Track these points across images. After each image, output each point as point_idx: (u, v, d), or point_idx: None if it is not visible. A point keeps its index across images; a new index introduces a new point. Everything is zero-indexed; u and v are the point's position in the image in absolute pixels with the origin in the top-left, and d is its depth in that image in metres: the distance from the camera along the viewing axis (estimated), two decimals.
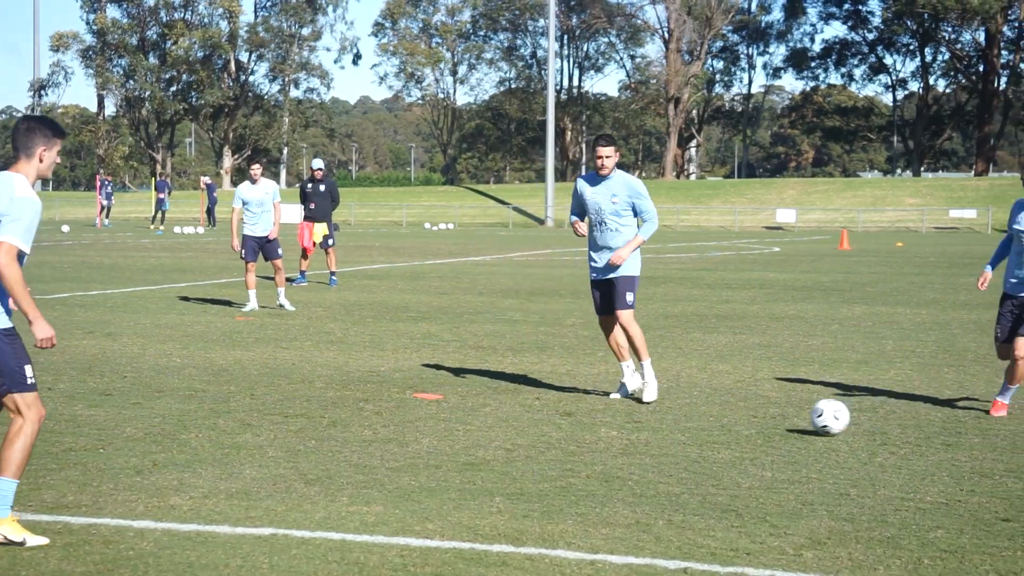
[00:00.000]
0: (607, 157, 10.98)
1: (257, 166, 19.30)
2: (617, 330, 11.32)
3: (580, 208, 11.32)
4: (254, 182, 18.97)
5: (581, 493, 7.63)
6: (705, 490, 7.74)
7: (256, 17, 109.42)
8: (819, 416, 9.42)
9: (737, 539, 6.65)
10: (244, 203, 18.93)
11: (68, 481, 7.77)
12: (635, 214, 11.20)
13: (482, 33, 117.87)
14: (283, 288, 18.99)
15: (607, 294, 11.29)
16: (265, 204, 18.89)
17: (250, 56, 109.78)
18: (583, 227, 11.25)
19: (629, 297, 11.15)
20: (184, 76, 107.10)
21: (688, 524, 6.93)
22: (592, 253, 11.30)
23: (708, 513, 7.18)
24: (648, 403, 10.88)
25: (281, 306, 18.68)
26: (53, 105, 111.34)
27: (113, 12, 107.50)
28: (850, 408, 9.97)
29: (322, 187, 24.04)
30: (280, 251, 19.04)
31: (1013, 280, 10.93)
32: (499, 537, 6.66)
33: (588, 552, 6.39)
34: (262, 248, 18.95)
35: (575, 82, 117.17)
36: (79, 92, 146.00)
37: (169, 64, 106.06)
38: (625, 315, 11.15)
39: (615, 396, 11.17)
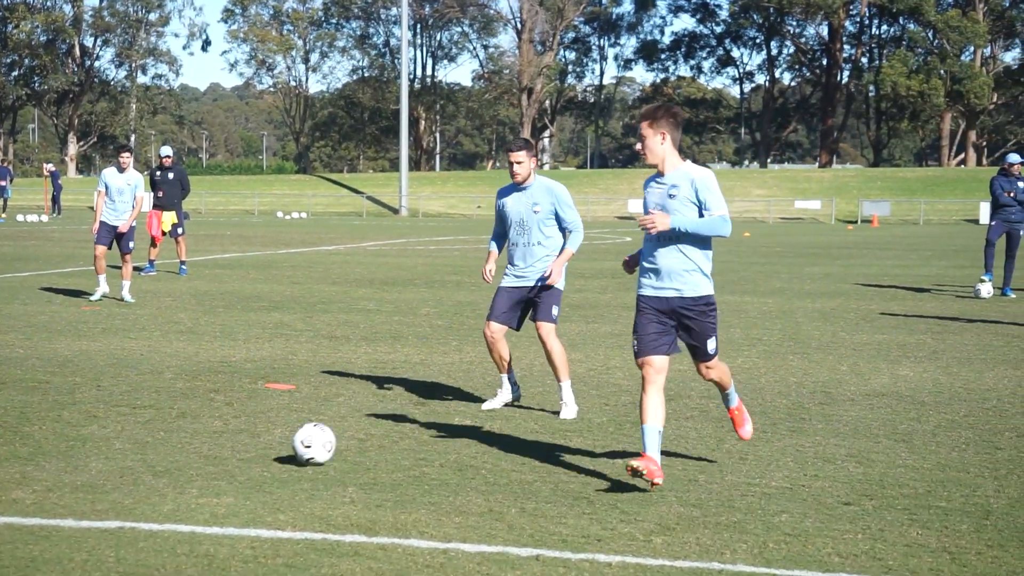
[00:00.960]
0: (519, 163, 9.86)
1: (127, 154, 18.82)
2: (504, 341, 10.21)
3: (501, 226, 10.23)
4: (122, 170, 18.49)
5: (434, 482, 7.64)
6: (557, 478, 7.81)
7: (101, 1, 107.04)
8: (308, 448, 7.97)
9: (588, 526, 6.73)
10: (107, 188, 18.43)
11: None
12: (560, 225, 10.05)
13: (334, 21, 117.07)
14: (128, 281, 18.55)
15: (521, 302, 10.15)
16: (125, 193, 18.44)
17: (95, 41, 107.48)
18: (490, 270, 10.27)
19: (555, 311, 10.03)
20: (26, 60, 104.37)
21: (540, 512, 6.99)
22: (513, 269, 10.15)
23: (560, 501, 7.25)
24: (568, 420, 9.88)
25: (122, 299, 18.26)
26: None
27: None
28: (697, 395, 10.09)
29: (171, 175, 23.63)
30: (132, 244, 18.63)
31: None
32: (352, 527, 6.64)
33: (441, 541, 6.41)
34: (117, 238, 18.51)
35: (429, 71, 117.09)
36: None
37: (10, 48, 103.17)
38: (547, 328, 10.01)
39: (487, 407, 10.22)
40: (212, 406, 10.08)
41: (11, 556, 6.03)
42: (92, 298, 18.21)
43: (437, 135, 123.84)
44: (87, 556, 6.05)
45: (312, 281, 22.60)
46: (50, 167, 61.27)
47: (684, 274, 7.55)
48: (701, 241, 7.55)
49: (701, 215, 7.46)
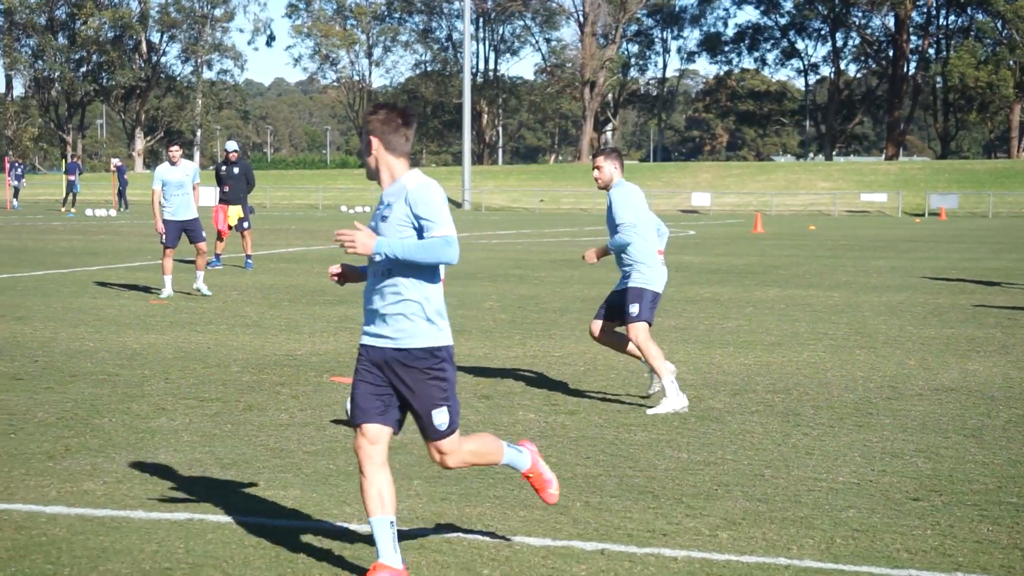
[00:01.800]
0: (597, 168, 10.26)
1: (176, 147, 18.79)
2: (611, 335, 10.58)
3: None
4: (173, 163, 18.50)
5: (499, 476, 7.65)
6: (622, 472, 7.80)
7: None
8: None
9: (654, 520, 6.71)
10: (164, 184, 18.44)
11: None
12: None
13: (397, 15, 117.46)
14: (202, 272, 18.64)
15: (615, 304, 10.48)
16: (185, 186, 18.44)
17: (162, 37, 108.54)
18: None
19: (630, 309, 10.26)
20: (94, 57, 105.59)
21: (605, 506, 6.98)
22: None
23: (625, 495, 7.23)
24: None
25: (198, 290, 18.40)
26: None
27: None
28: (762, 389, 10.02)
29: (236, 169, 23.80)
30: (204, 233, 18.67)
31: None
32: (417, 520, 6.66)
33: (506, 534, 6.42)
34: (186, 231, 18.47)
35: (491, 65, 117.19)
36: None
37: (79, 44, 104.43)
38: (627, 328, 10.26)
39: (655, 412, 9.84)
40: (278, 399, 10.16)
41: (83, 547, 6.11)
42: (161, 296, 18.27)
43: (499, 129, 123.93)
44: (157, 547, 6.12)
45: None
46: (117, 162, 61.90)
47: (400, 318, 5.76)
48: (421, 272, 5.76)
49: (421, 237, 5.74)
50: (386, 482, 5.76)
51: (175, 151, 18.60)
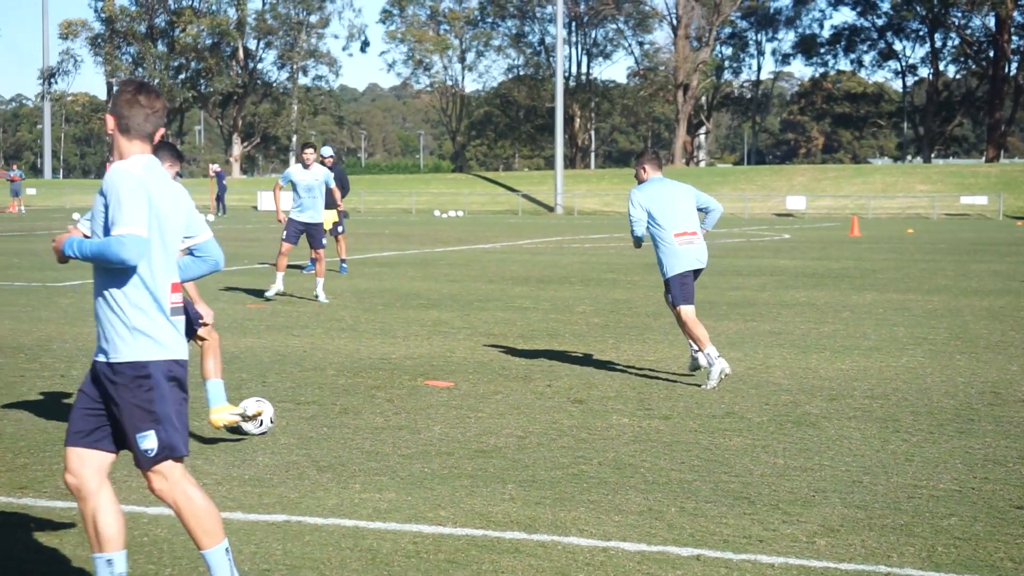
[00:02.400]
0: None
1: (311, 150, 18.76)
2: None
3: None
4: (306, 166, 18.56)
5: (593, 480, 7.64)
6: (717, 477, 7.74)
7: (264, 4, 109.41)
8: (260, 425, 8.83)
9: (749, 526, 6.65)
10: (293, 185, 18.50)
11: None
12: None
13: (490, 20, 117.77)
14: (322, 279, 18.63)
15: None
16: (314, 190, 18.51)
17: (258, 43, 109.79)
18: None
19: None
20: (193, 63, 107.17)
21: (700, 511, 6.94)
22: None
23: (720, 500, 7.18)
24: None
25: (316, 297, 18.35)
26: (63, 93, 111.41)
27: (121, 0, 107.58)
28: (860, 395, 9.91)
29: (331, 174, 23.98)
30: (324, 241, 18.81)
31: None
32: (512, 524, 6.67)
33: (601, 539, 6.40)
34: (307, 234, 18.60)
35: (583, 69, 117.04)
36: (88, 80, 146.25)
37: (177, 52, 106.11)
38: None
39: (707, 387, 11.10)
40: (373, 402, 10.23)
41: (184, 547, 6.20)
42: (267, 294, 18.36)
43: (592, 133, 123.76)
44: (255, 548, 6.19)
45: (469, 279, 22.78)
46: (215, 167, 62.82)
47: (107, 327, 5.20)
48: (115, 275, 5.17)
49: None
50: (112, 519, 5.15)
51: (309, 154, 18.62)
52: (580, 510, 6.96)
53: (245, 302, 18.18)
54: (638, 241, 11.76)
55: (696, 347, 11.49)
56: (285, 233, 18.47)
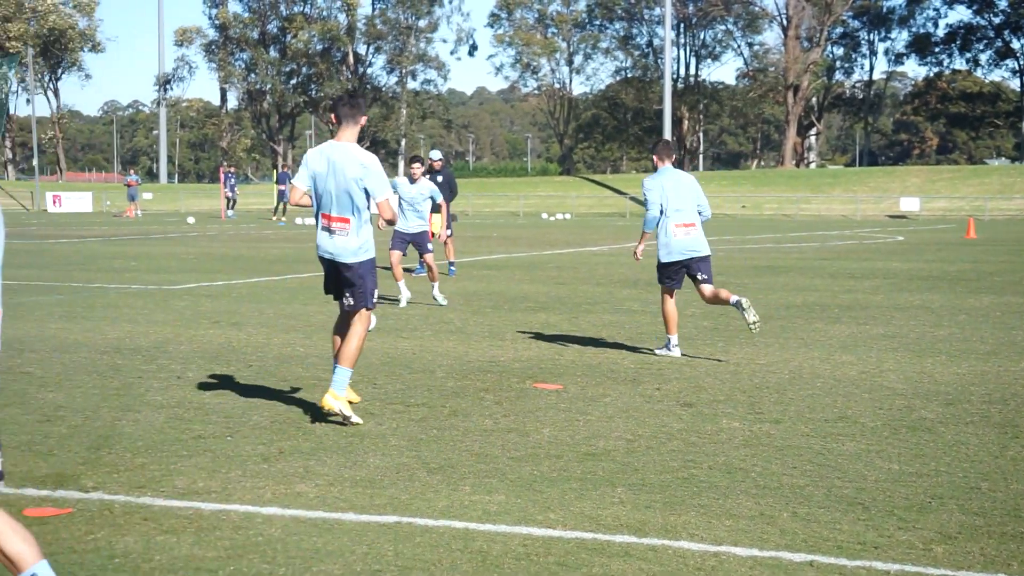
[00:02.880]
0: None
1: (418, 165, 18.88)
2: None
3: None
4: (413, 181, 18.77)
5: (703, 484, 7.58)
6: (830, 483, 7.64)
7: (374, 10, 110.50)
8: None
9: (864, 532, 6.55)
10: (400, 198, 18.68)
11: (198, 468, 7.92)
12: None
13: (597, 22, 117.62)
14: (437, 282, 18.71)
15: None
16: (417, 203, 18.71)
17: (368, 48, 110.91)
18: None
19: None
20: (304, 69, 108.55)
21: (813, 517, 6.85)
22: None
23: (834, 506, 7.08)
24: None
25: (435, 299, 18.40)
26: (178, 99, 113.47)
27: (235, 6, 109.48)
28: (977, 399, 9.71)
29: (440, 178, 24.17)
30: (431, 246, 18.95)
31: None
32: (621, 527, 6.65)
33: (712, 544, 6.35)
34: (414, 243, 18.81)
35: (692, 70, 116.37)
36: (203, 86, 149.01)
37: (289, 57, 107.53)
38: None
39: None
40: (482, 405, 10.26)
41: (297, 547, 6.27)
42: (401, 305, 18.35)
43: (700, 134, 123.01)
44: (367, 549, 6.24)
45: (577, 282, 22.76)
46: None
47: None
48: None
49: None
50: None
51: (416, 169, 18.80)
52: (690, 514, 6.91)
53: None
54: (653, 222, 13.14)
55: (735, 300, 12.82)
56: (391, 243, 18.70)
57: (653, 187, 13.12)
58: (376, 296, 9.64)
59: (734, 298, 12.84)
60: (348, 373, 9.46)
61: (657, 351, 13.33)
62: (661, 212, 13.07)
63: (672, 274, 13.25)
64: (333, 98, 8.60)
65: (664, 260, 13.22)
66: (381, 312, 17.32)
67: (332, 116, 9.48)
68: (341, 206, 9.32)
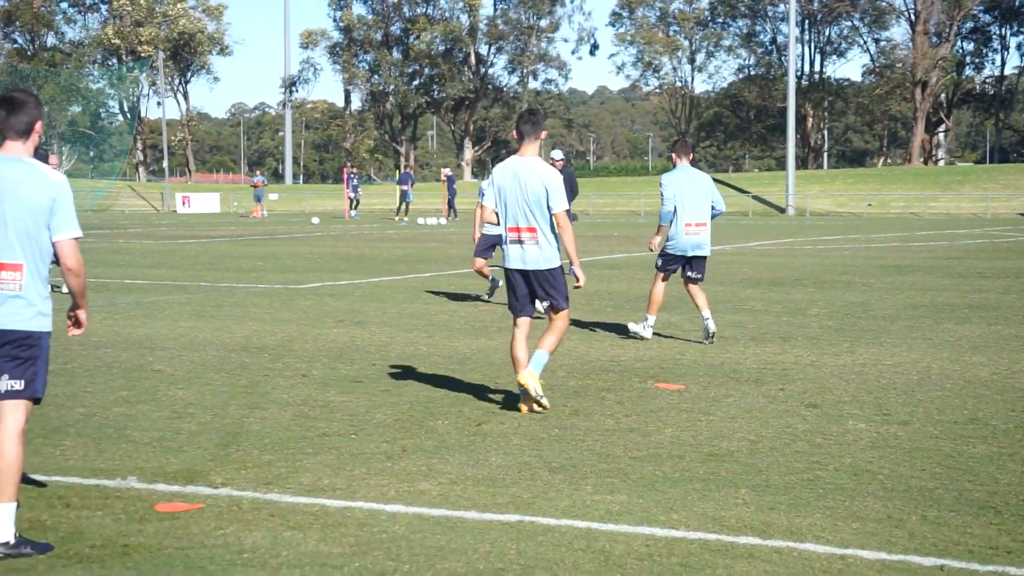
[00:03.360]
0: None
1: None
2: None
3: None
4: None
5: (829, 486, 7.48)
6: (960, 486, 7.48)
7: (495, 10, 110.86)
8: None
9: (996, 537, 6.41)
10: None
11: (323, 465, 8.03)
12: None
13: (720, 20, 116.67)
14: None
15: None
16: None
17: (490, 49, 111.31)
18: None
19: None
20: (426, 70, 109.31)
21: (943, 520, 6.72)
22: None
23: (964, 509, 6.94)
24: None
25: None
26: (303, 101, 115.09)
27: (359, 9, 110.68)
28: None
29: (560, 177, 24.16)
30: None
31: None
32: (745, 529, 6.58)
33: (838, 546, 6.26)
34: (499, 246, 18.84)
35: (816, 67, 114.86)
36: (327, 88, 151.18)
37: (412, 58, 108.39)
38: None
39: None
40: (604, 404, 10.25)
41: (420, 545, 6.32)
42: (486, 297, 18.71)
43: (825, 132, 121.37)
44: (490, 548, 6.27)
45: None
46: (447, 172, 63.91)
47: None
48: None
49: None
50: None
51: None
52: (816, 516, 6.82)
53: (477, 305, 18.45)
54: (668, 216, 14.01)
55: (706, 314, 13.88)
56: (476, 249, 18.16)
57: (669, 184, 14.04)
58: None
59: (706, 313, 13.98)
60: (547, 358, 10.12)
61: (631, 326, 14.47)
62: (675, 208, 14.04)
63: (671, 263, 14.34)
64: (520, 113, 9.61)
65: (668, 251, 14.28)
66: (502, 311, 17.38)
67: (515, 132, 10.33)
68: (528, 217, 10.01)
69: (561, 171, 24.17)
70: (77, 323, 6.61)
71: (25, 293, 6.27)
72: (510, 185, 10.03)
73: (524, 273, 10.19)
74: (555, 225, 10.09)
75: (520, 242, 10.10)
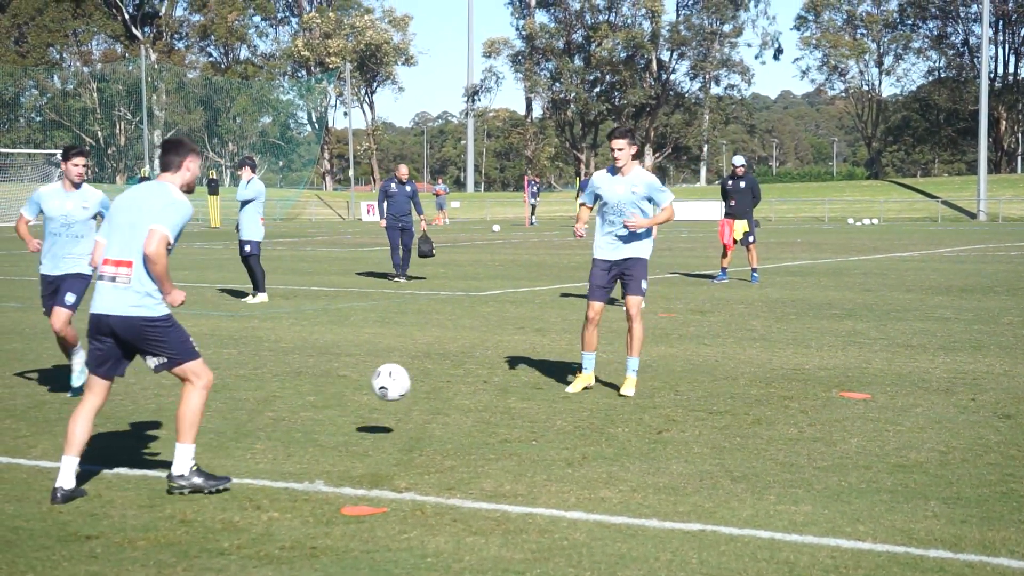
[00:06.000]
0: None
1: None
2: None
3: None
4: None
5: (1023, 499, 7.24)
6: None
7: (678, 16, 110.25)
8: (377, 377, 9.50)
9: None
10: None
11: (504, 471, 8.09)
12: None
13: (910, 22, 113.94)
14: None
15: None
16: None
17: (671, 54, 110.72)
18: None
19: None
20: (607, 77, 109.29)
21: None
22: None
23: None
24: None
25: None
26: (485, 109, 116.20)
27: (541, 17, 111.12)
28: None
29: (743, 184, 23.95)
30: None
31: None
32: (936, 542, 6.42)
33: None
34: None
35: (1011, 69, 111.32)
36: (509, 96, 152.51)
37: (593, 65, 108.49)
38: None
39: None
40: (787, 413, 10.10)
41: (601, 552, 6.32)
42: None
43: (1019, 136, 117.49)
44: (671, 556, 6.24)
45: (885, 288, 22.11)
46: None
47: None
48: None
49: None
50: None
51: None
52: (1010, 530, 6.61)
53: (656, 311, 18.37)
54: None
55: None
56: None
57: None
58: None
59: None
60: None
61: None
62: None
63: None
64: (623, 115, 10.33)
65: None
66: (683, 319, 17.28)
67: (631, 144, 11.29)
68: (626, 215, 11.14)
69: (743, 177, 24.01)
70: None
71: (135, 285, 7.43)
72: (606, 187, 11.47)
73: (618, 263, 11.47)
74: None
75: (623, 237, 11.44)
